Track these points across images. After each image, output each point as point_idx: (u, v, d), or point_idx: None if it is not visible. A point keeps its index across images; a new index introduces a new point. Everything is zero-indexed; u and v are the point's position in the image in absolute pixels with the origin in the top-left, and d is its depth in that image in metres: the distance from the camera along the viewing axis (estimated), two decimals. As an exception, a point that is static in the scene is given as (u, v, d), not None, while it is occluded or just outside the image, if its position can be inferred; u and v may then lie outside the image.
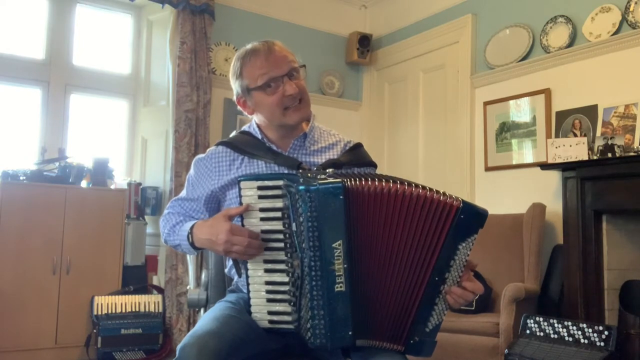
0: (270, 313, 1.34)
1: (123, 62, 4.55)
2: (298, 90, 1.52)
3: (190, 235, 1.49)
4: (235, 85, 1.59)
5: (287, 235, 1.31)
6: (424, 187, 1.28)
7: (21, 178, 3.57)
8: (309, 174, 1.29)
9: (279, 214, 1.31)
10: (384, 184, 1.27)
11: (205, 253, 1.92)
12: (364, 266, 1.29)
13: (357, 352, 1.34)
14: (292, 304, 1.31)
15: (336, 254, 1.25)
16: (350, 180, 1.27)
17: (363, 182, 1.27)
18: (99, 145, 4.37)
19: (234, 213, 1.37)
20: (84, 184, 3.80)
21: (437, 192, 1.28)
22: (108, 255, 3.75)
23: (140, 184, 4.22)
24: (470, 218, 1.27)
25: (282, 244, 1.32)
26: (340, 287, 1.26)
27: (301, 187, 1.25)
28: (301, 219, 1.26)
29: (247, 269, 1.35)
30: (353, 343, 1.29)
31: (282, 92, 1.51)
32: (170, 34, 4.14)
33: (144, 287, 3.91)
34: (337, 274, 1.25)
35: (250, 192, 1.32)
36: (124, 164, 4.49)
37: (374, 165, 1.67)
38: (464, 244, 1.28)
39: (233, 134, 1.72)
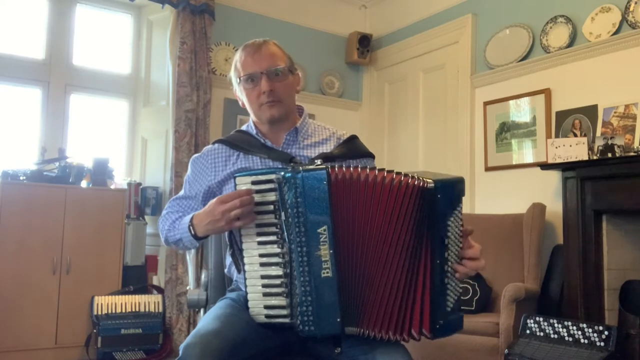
0: (266, 307, 1.34)
1: (123, 62, 4.54)
2: (270, 89, 1.56)
3: (191, 227, 1.50)
4: (232, 77, 1.67)
5: (279, 227, 1.32)
6: (398, 173, 1.26)
7: (21, 178, 3.56)
8: (300, 168, 1.31)
9: (271, 207, 1.33)
10: (367, 172, 1.27)
11: (206, 253, 1.92)
12: (352, 252, 1.29)
13: (359, 346, 1.34)
14: (285, 295, 1.32)
15: (322, 239, 1.26)
16: (335, 167, 1.28)
17: (350, 170, 1.28)
18: (99, 145, 4.37)
19: (225, 198, 1.38)
20: (84, 184, 3.80)
21: (406, 175, 1.25)
22: (108, 255, 3.75)
23: (140, 184, 4.22)
24: (449, 192, 1.26)
25: (275, 237, 1.33)
26: (327, 272, 1.27)
27: (288, 175, 1.28)
28: (287, 206, 1.29)
29: (244, 264, 1.36)
30: (342, 330, 1.29)
31: (259, 88, 1.57)
32: (170, 34, 4.14)
33: (144, 287, 3.91)
34: (323, 259, 1.26)
35: (245, 187, 1.35)
36: (124, 164, 4.49)
37: (372, 156, 1.67)
38: (452, 218, 1.26)
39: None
